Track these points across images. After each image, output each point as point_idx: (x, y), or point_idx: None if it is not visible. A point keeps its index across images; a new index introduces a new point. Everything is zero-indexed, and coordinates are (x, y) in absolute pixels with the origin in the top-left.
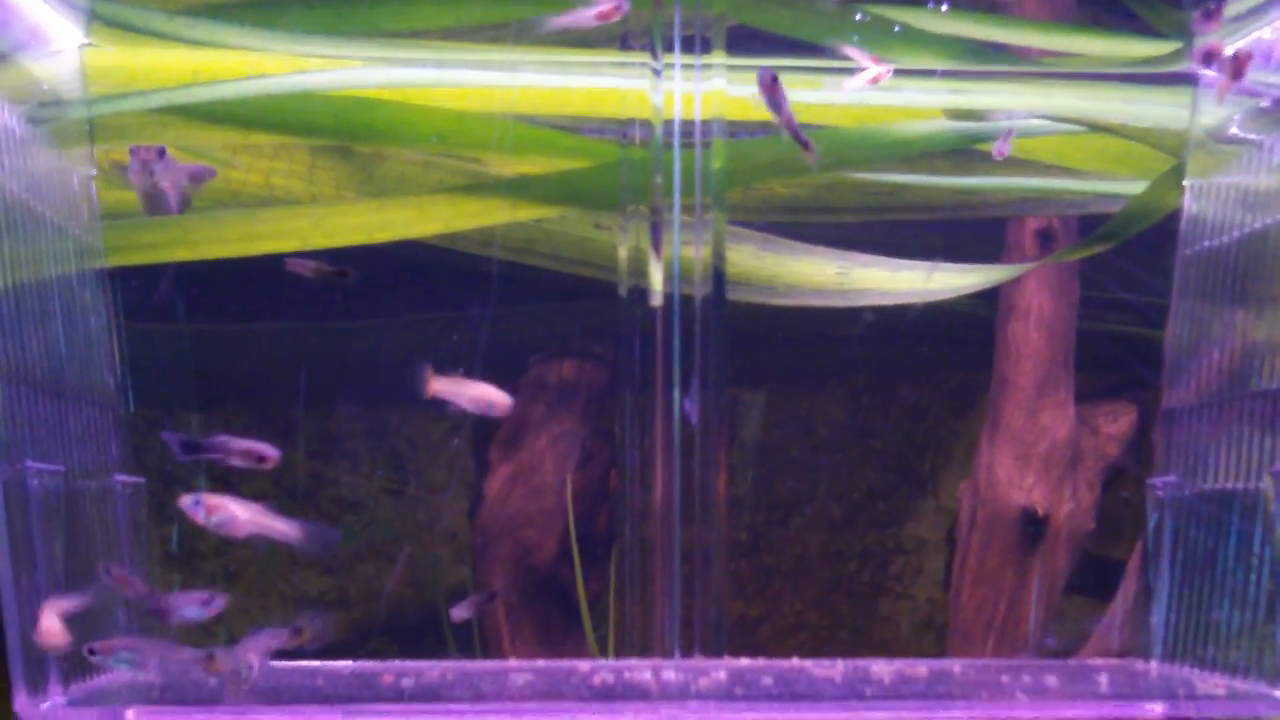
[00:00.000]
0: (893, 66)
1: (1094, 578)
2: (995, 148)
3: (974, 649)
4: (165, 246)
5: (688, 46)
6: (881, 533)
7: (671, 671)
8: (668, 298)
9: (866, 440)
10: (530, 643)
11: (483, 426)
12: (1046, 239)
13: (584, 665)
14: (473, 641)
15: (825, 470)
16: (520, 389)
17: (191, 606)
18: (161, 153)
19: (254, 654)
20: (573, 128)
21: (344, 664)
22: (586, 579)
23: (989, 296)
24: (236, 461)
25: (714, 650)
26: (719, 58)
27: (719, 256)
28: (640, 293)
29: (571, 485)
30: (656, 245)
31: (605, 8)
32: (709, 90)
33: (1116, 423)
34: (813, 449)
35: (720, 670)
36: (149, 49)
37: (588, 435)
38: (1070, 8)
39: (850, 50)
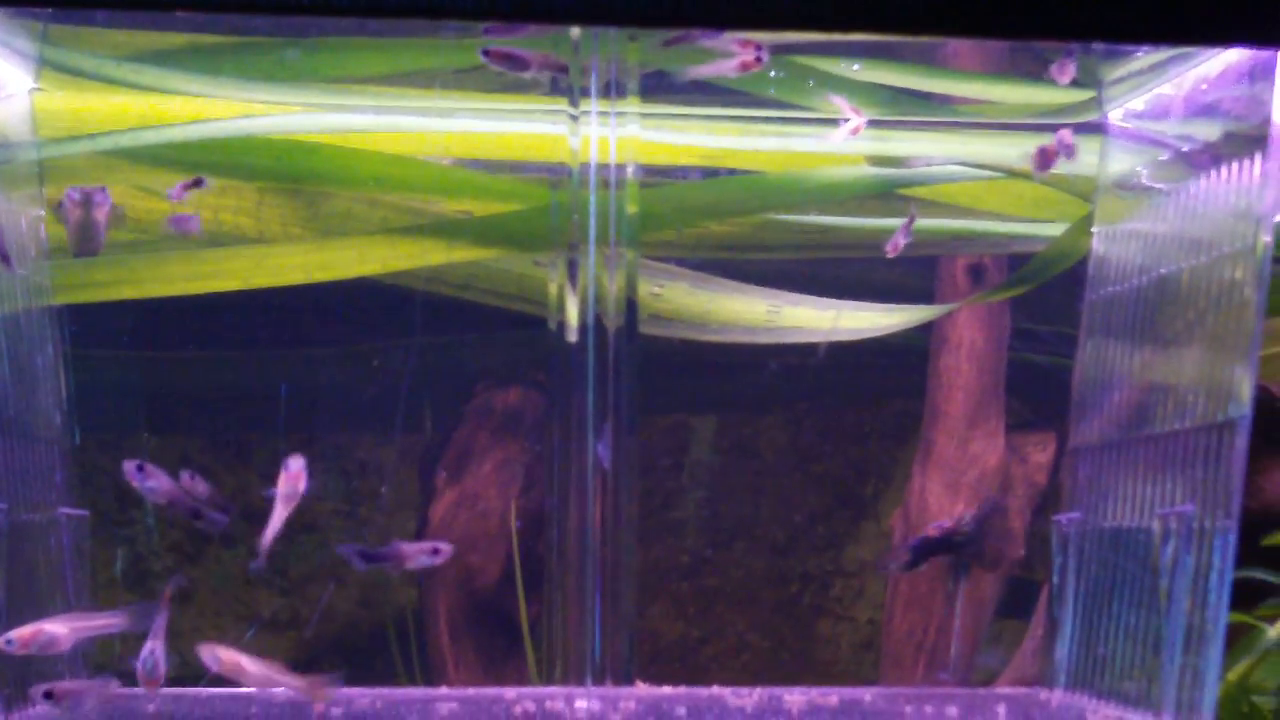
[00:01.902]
0: (866, 118)
1: (1025, 602)
2: (889, 243)
3: (905, 672)
4: (112, 285)
5: (604, 92)
6: (822, 555)
7: (589, 700)
8: (581, 333)
9: (808, 465)
10: (473, 665)
11: (429, 452)
12: (977, 274)
13: (510, 693)
14: (418, 663)
15: (768, 494)
16: (466, 416)
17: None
18: (103, 191)
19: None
20: (509, 169)
21: (278, 690)
22: (528, 603)
23: (924, 328)
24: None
25: (627, 678)
26: (633, 104)
27: (632, 291)
28: (564, 328)
29: (515, 511)
30: (573, 283)
31: (747, 58)
32: (624, 135)
33: (1045, 451)
34: (756, 473)
35: (635, 700)
36: (98, 94)
37: (531, 462)
38: (1002, 55)
39: (836, 99)
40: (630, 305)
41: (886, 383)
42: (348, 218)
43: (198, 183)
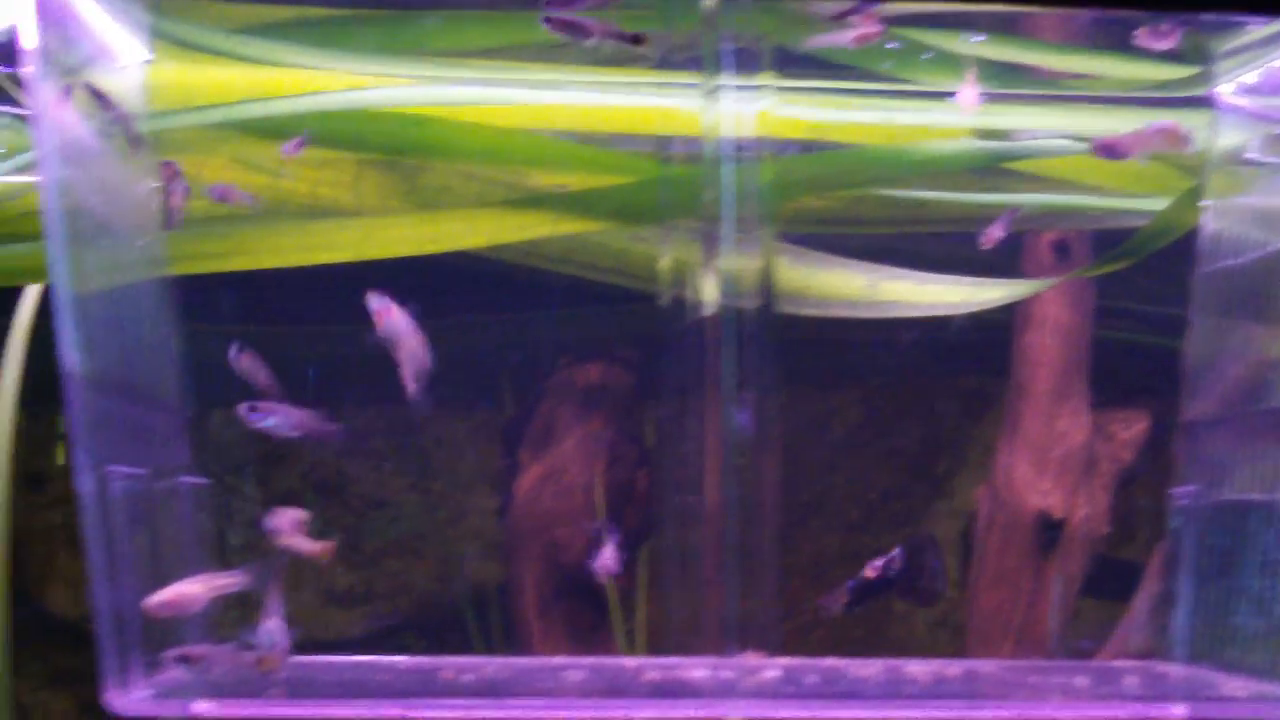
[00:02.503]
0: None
1: (1108, 579)
2: (983, 235)
3: (991, 649)
4: (224, 256)
5: (734, 66)
6: (896, 532)
7: (717, 669)
8: (721, 308)
9: (883, 442)
10: (559, 638)
11: (512, 428)
12: (1062, 250)
13: (630, 662)
14: (500, 636)
15: (843, 471)
16: (549, 390)
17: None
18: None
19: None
20: (610, 142)
21: (401, 659)
22: (615, 576)
23: (1005, 305)
24: None
25: (765, 649)
26: (768, 79)
27: (769, 269)
28: (680, 303)
29: (601, 485)
30: (710, 257)
31: (868, 30)
32: (758, 110)
33: (1130, 429)
34: (830, 450)
35: (766, 669)
36: (208, 66)
37: (615, 437)
38: (1084, 29)
39: (970, 73)
40: (768, 282)
41: (962, 359)
42: (444, 191)
43: (304, 141)
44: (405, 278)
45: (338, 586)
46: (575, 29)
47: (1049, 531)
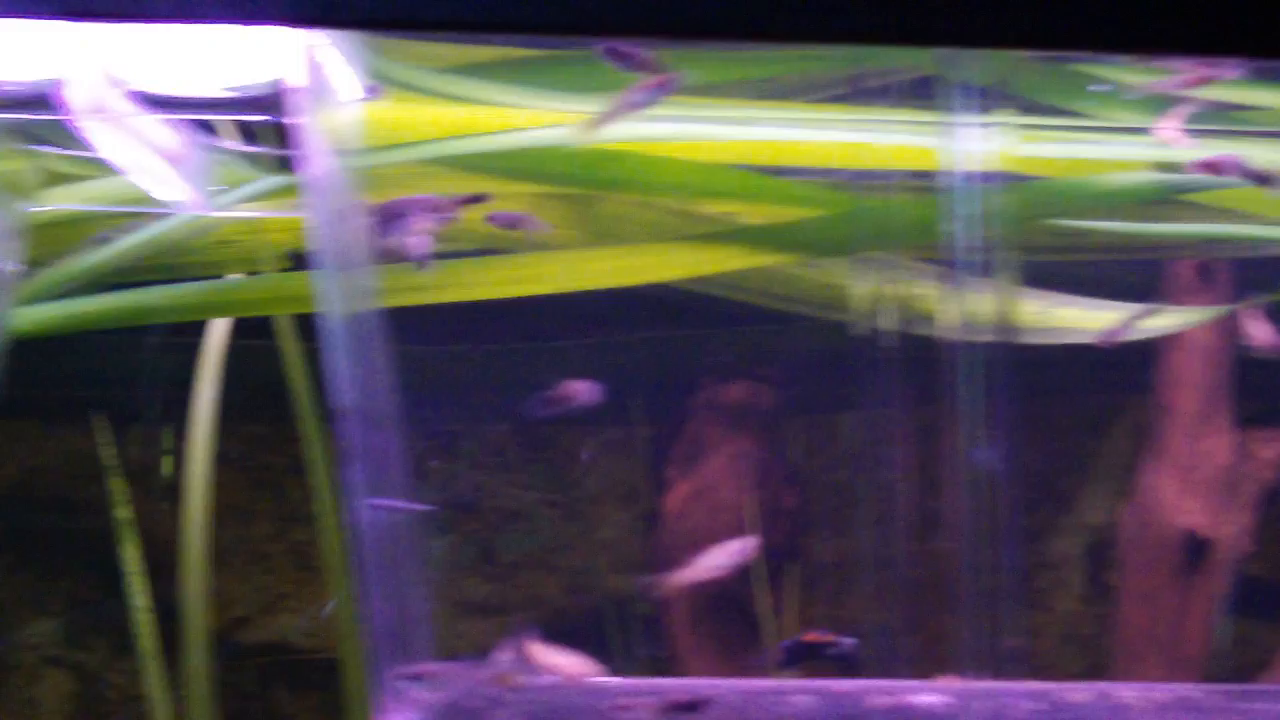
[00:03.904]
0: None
1: (1250, 598)
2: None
3: (1139, 667)
4: (436, 289)
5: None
6: (1024, 548)
7: (941, 695)
8: (962, 340)
9: (1009, 458)
10: (710, 654)
11: (657, 444)
12: (1206, 273)
13: (843, 685)
14: (640, 650)
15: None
16: (695, 409)
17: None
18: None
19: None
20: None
21: (612, 680)
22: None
23: None
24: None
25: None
26: (1006, 116)
27: (1009, 301)
28: (875, 330)
29: (750, 503)
30: (953, 289)
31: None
32: (994, 148)
33: (1271, 447)
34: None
35: (990, 694)
36: (414, 105)
37: (764, 455)
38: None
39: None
40: (1007, 317)
41: (1099, 377)
42: (620, 219)
43: (478, 198)
44: (560, 298)
45: (473, 598)
46: (631, 60)
47: (1195, 550)
